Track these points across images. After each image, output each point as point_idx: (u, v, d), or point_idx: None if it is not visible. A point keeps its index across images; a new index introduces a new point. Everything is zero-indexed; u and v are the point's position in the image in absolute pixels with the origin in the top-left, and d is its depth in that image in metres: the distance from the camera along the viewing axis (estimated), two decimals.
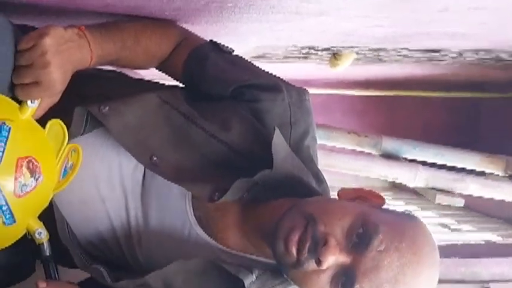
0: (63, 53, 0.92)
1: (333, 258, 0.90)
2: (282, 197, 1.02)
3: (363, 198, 1.01)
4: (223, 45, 1.15)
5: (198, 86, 1.12)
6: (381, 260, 0.89)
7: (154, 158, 1.02)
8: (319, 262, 0.89)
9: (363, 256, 0.89)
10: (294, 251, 0.92)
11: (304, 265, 0.92)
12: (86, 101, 1.02)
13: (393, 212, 0.99)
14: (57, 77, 0.92)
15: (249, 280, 1.01)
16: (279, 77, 1.13)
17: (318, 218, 0.92)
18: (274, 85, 1.07)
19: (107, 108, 1.02)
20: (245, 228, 1.03)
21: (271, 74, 1.13)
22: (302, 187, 1.03)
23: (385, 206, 1.01)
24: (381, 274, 0.88)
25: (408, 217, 0.97)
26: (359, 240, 0.90)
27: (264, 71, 1.14)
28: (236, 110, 1.07)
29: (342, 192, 1.03)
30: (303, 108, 1.08)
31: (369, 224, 0.91)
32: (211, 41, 1.16)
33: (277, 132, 1.00)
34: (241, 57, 1.15)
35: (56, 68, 0.91)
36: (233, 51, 1.16)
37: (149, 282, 1.00)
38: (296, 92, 1.09)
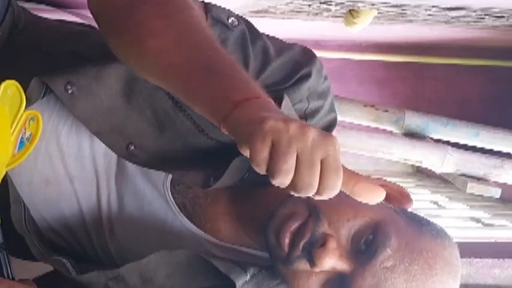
0: None
1: (331, 262, 0.90)
2: None
3: (387, 195, 0.99)
4: (226, 17, 1.04)
5: None
6: (383, 279, 0.88)
7: (132, 147, 1.01)
8: (312, 263, 0.90)
9: (364, 268, 0.90)
10: (285, 242, 0.92)
11: (294, 263, 0.92)
12: (50, 60, 1.00)
13: (420, 222, 0.97)
14: None
15: (242, 280, 1.01)
16: (310, 52, 1.08)
17: (324, 214, 0.92)
18: (305, 73, 1.04)
19: (74, 88, 0.99)
20: (239, 217, 1.04)
21: (299, 49, 1.08)
22: None
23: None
24: None
25: (436, 233, 0.95)
26: (365, 249, 0.90)
27: (278, 50, 1.06)
28: None
29: None
30: (320, 95, 1.07)
31: (380, 232, 0.90)
32: (211, 16, 1.03)
33: (286, 100, 0.99)
34: (253, 33, 1.08)
35: None
36: (237, 24, 1.05)
37: (123, 275, 1.00)
38: (318, 77, 1.06)
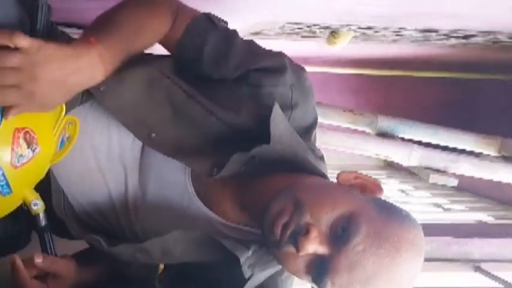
0: (60, 73, 0.86)
1: (312, 248, 0.90)
2: (280, 172, 1.03)
3: (362, 185, 1.00)
4: (218, 20, 1.12)
5: (196, 67, 1.10)
6: (356, 261, 0.88)
7: (153, 135, 1.02)
8: (297, 249, 0.90)
9: (339, 252, 0.90)
10: (277, 232, 0.93)
11: (284, 247, 0.93)
12: None
13: (389, 210, 0.95)
14: (45, 95, 0.85)
15: (245, 256, 1.01)
16: (281, 53, 1.10)
17: (306, 207, 0.92)
18: (279, 67, 1.06)
19: (104, 86, 1.01)
20: (243, 201, 1.04)
21: (273, 52, 1.11)
22: (301, 163, 1.04)
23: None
24: (353, 274, 0.89)
25: (402, 219, 0.93)
26: (341, 236, 0.90)
27: (263, 49, 1.11)
28: (237, 91, 1.06)
29: (341, 177, 1.01)
30: (303, 90, 1.08)
31: (352, 222, 0.90)
32: (206, 15, 1.12)
33: (276, 107, 1.00)
34: (237, 34, 1.13)
35: (46, 86, 0.85)
36: (227, 24, 1.14)
37: (148, 248, 1.01)
38: (296, 72, 1.08)
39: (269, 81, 1.05)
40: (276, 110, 1.00)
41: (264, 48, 1.11)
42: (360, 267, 0.88)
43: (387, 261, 0.88)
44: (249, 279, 1.02)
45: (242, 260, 1.00)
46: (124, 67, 1.02)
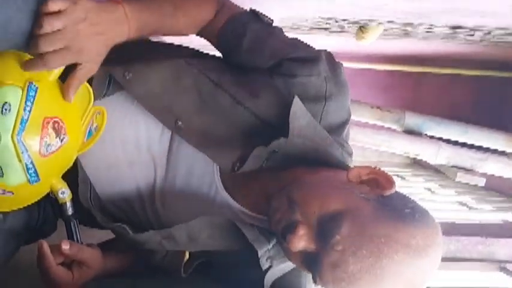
0: (98, 25, 0.89)
1: (300, 244, 0.91)
2: (300, 166, 1.02)
3: (375, 181, 0.98)
4: (263, 15, 1.12)
5: (234, 55, 1.10)
6: (337, 259, 0.88)
7: (179, 123, 1.02)
8: (287, 245, 0.92)
9: (323, 250, 0.90)
10: (273, 228, 0.95)
11: (282, 243, 0.95)
12: (110, 62, 1.00)
13: (391, 209, 0.91)
14: (91, 48, 0.89)
15: (265, 248, 1.02)
16: (319, 49, 1.09)
17: (298, 206, 0.93)
18: (314, 57, 1.05)
19: (131, 74, 1.02)
20: (264, 194, 1.03)
21: (310, 45, 1.10)
22: (323, 157, 1.03)
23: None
24: (336, 272, 0.88)
25: (402, 219, 0.89)
26: (326, 233, 0.90)
27: (303, 42, 1.11)
28: (268, 81, 1.05)
29: (352, 174, 0.97)
30: (338, 83, 1.06)
31: (336, 221, 0.89)
32: (251, 9, 1.13)
33: (296, 100, 0.99)
34: (281, 28, 1.12)
35: (90, 39, 0.88)
36: (272, 21, 1.13)
37: (174, 234, 1.02)
38: (332, 65, 1.07)
39: (303, 71, 1.04)
40: (297, 102, 0.99)
41: (303, 42, 1.11)
42: (341, 266, 0.87)
43: (370, 262, 0.86)
44: (267, 270, 1.03)
45: (260, 252, 1.01)
46: (150, 55, 1.03)
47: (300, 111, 1.00)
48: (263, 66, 1.06)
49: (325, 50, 1.09)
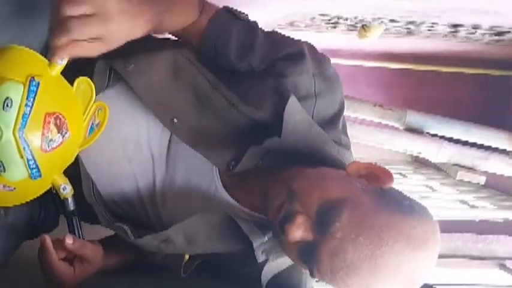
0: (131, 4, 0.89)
1: (298, 234, 0.90)
2: (295, 164, 1.01)
3: (374, 175, 0.98)
4: (239, 13, 1.09)
5: (221, 60, 1.07)
6: (335, 247, 0.87)
7: (175, 120, 1.02)
8: (285, 236, 0.90)
9: (322, 238, 0.89)
10: (271, 218, 0.95)
11: (281, 235, 0.93)
12: (110, 54, 0.98)
13: (391, 200, 0.91)
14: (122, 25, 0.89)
15: (259, 241, 1.01)
16: (299, 40, 1.08)
17: (297, 197, 0.92)
18: (300, 52, 1.04)
19: (132, 66, 1.02)
20: (261, 192, 1.03)
21: (292, 39, 1.09)
22: (319, 155, 1.02)
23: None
24: (334, 261, 0.87)
25: (402, 210, 0.89)
26: (325, 221, 0.89)
27: (283, 36, 1.09)
28: (261, 84, 1.05)
29: (351, 168, 0.97)
30: (326, 79, 1.05)
31: (334, 209, 0.88)
32: (224, 8, 1.09)
33: (292, 99, 0.99)
34: (258, 25, 1.10)
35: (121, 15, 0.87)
36: (247, 16, 1.11)
37: (172, 236, 1.01)
38: (317, 61, 1.05)
39: (294, 70, 1.03)
40: (292, 101, 0.99)
41: (283, 35, 1.10)
42: (340, 255, 0.86)
43: (369, 251, 0.85)
44: (264, 264, 1.03)
45: (255, 244, 1.00)
46: (151, 49, 1.02)
47: (295, 108, 0.99)
48: (255, 70, 1.05)
49: (306, 42, 1.07)
